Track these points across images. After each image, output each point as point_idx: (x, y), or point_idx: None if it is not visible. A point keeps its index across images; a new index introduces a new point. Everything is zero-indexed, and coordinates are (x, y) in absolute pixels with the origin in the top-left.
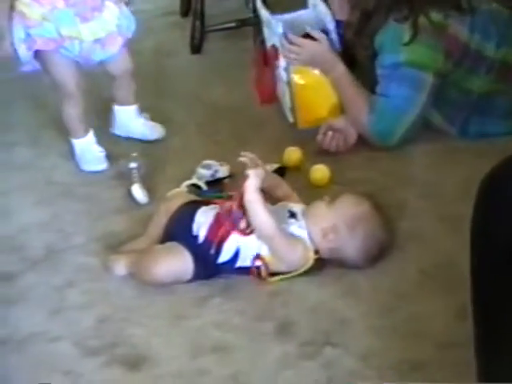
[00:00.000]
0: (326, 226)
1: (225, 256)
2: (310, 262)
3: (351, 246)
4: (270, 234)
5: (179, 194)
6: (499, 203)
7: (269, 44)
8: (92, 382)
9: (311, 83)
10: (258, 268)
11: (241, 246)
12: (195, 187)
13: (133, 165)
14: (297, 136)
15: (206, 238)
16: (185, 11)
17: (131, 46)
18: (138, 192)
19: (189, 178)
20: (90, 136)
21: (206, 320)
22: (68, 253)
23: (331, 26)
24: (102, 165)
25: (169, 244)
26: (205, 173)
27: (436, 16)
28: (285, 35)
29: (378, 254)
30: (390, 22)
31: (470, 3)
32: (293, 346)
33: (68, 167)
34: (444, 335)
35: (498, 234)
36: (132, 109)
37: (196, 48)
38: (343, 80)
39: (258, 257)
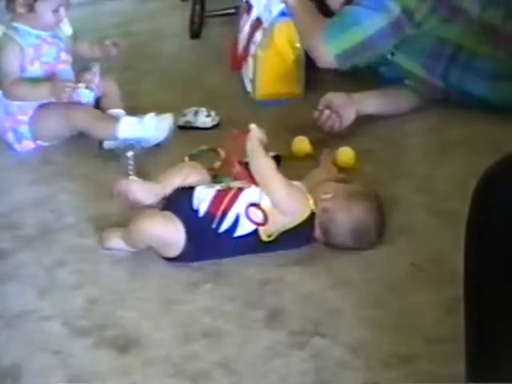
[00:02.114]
0: (327, 189)
1: (226, 224)
2: (308, 212)
3: (343, 216)
4: (270, 175)
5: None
6: (495, 203)
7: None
8: (80, 362)
9: (275, 61)
10: (257, 223)
11: (240, 213)
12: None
13: (129, 153)
14: (295, 122)
15: (208, 212)
16: None
17: (130, 28)
18: None
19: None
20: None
21: (196, 305)
22: (61, 232)
23: None
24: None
25: (166, 212)
26: (187, 112)
27: None
28: None
29: (363, 236)
30: None
31: None
32: (282, 335)
33: (65, 147)
34: (434, 329)
35: (494, 234)
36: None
37: (195, 33)
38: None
39: (257, 205)
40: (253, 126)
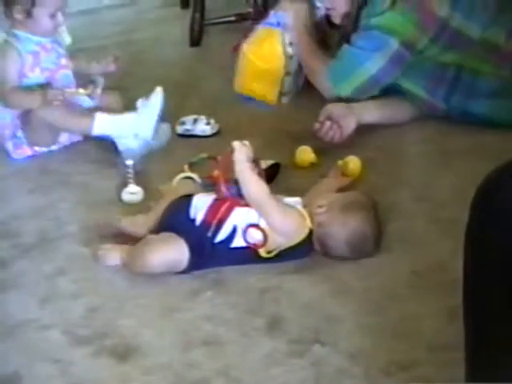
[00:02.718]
0: (322, 202)
1: (222, 235)
2: (307, 231)
3: (338, 229)
4: (263, 200)
5: (184, 183)
6: (495, 210)
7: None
8: (81, 371)
9: (255, 59)
10: (255, 245)
11: (238, 224)
12: (189, 179)
13: (129, 162)
14: (294, 129)
15: (204, 221)
16: (185, 3)
17: (130, 36)
18: (129, 196)
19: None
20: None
21: (197, 313)
22: (61, 241)
23: None
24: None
25: (164, 234)
26: (186, 120)
27: None
28: None
29: (361, 247)
30: None
31: None
32: (282, 343)
33: (63, 156)
34: (434, 337)
35: (493, 241)
36: None
37: (195, 40)
38: (306, 39)
39: (256, 226)
40: (236, 144)
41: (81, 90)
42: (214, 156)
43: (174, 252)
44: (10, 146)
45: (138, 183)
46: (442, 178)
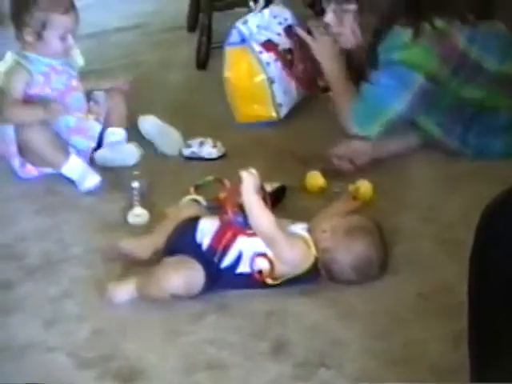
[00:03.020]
0: (325, 226)
1: (227, 260)
2: (312, 259)
3: (343, 255)
4: (271, 233)
5: (188, 205)
6: (499, 233)
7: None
8: None
9: (239, 83)
10: (260, 272)
11: (243, 251)
12: (195, 202)
13: (135, 184)
14: (299, 150)
15: (210, 246)
16: (192, 26)
17: (137, 58)
18: (134, 219)
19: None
20: (74, 157)
21: (201, 336)
22: (66, 263)
23: (294, 21)
24: (96, 178)
25: (181, 257)
26: (192, 142)
27: (438, 22)
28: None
29: (367, 271)
30: (393, 30)
31: (475, 17)
32: (287, 367)
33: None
34: (440, 361)
35: (497, 264)
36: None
37: (202, 64)
38: (334, 78)
39: (263, 255)
40: (244, 176)
41: (90, 116)
42: (220, 179)
43: (193, 274)
44: (16, 163)
45: (143, 205)
46: (448, 201)
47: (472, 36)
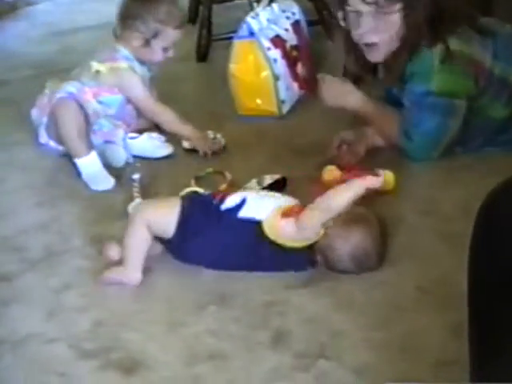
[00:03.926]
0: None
1: (229, 203)
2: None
3: (341, 244)
4: (333, 211)
5: None
6: (499, 224)
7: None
8: None
9: (245, 76)
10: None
11: (248, 197)
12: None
13: (135, 176)
14: (299, 143)
15: (211, 193)
16: (192, 19)
17: None
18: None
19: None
20: (94, 155)
21: (202, 327)
22: (67, 255)
23: (301, 16)
24: (110, 182)
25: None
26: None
27: (458, 43)
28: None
29: (362, 262)
30: (420, 52)
31: (489, 26)
32: (287, 357)
33: (70, 169)
34: (439, 352)
35: (497, 255)
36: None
37: (202, 56)
38: (364, 104)
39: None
40: (380, 178)
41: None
42: (221, 171)
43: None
44: (41, 129)
45: (144, 197)
46: (447, 193)
47: (495, 51)
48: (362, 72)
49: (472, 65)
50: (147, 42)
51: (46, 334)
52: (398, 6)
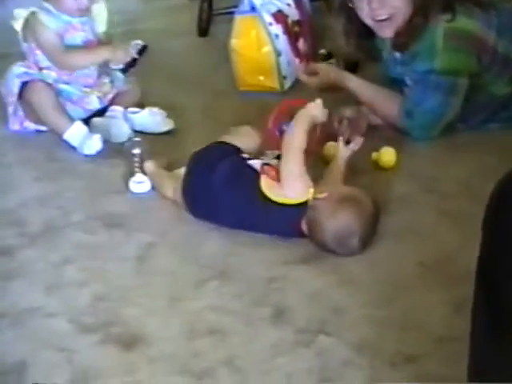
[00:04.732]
0: (324, 189)
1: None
2: (305, 199)
3: (328, 215)
4: (295, 151)
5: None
6: None
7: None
8: (86, 359)
9: (247, 52)
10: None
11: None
12: None
13: (136, 151)
14: None
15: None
16: None
17: (137, 26)
18: (137, 186)
19: None
20: (78, 124)
21: (202, 303)
22: (67, 229)
23: None
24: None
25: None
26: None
27: (462, 20)
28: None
29: (344, 242)
30: (423, 31)
31: (493, 2)
32: (288, 333)
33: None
34: (440, 329)
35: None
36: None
37: (203, 31)
38: (362, 88)
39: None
40: (318, 102)
41: (95, 92)
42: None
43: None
44: (10, 110)
45: (144, 172)
46: (449, 171)
47: (500, 27)
48: (361, 55)
49: (475, 42)
50: None
51: (46, 308)
52: None
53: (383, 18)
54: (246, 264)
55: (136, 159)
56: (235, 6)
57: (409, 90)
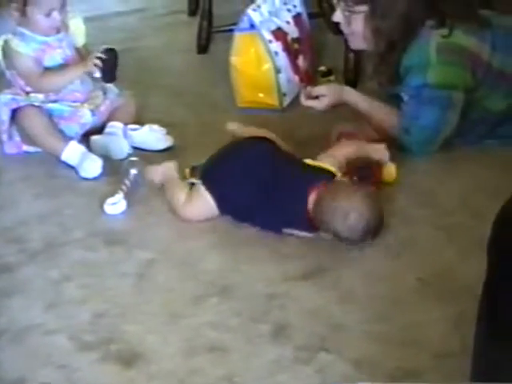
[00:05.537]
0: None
1: None
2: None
3: (342, 197)
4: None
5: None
6: None
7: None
8: (85, 377)
9: (247, 68)
10: None
11: None
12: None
13: (134, 171)
14: (299, 137)
15: None
16: (192, 11)
17: (137, 43)
18: (110, 208)
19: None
20: (73, 143)
21: (202, 319)
22: (67, 246)
23: (302, 8)
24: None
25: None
26: None
27: (456, 35)
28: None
29: (352, 224)
30: (415, 45)
31: (488, 18)
32: (288, 350)
33: None
34: (440, 344)
35: None
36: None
37: (202, 48)
38: (362, 102)
39: None
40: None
41: (86, 105)
42: None
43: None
44: (4, 138)
45: (127, 198)
46: (446, 185)
47: (494, 42)
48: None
49: (469, 56)
50: (22, 12)
51: (45, 325)
52: (362, 8)
53: (347, 32)
54: (246, 280)
55: (127, 182)
56: (235, 24)
57: (404, 105)
